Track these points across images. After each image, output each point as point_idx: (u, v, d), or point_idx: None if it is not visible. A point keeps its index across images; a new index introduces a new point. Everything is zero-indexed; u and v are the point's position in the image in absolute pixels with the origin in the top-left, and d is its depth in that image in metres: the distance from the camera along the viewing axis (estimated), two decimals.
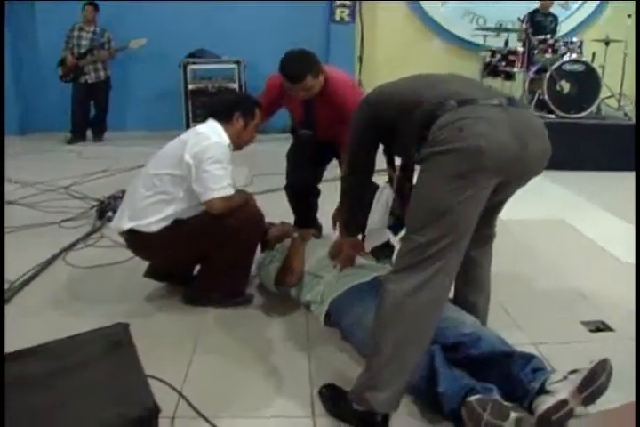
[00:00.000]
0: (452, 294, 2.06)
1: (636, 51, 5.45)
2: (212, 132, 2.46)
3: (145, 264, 2.75)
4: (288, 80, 2.69)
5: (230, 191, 2.41)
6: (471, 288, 2.18)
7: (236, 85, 6.62)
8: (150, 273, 2.75)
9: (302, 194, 3.28)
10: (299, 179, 3.21)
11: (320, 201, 3.36)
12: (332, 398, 1.94)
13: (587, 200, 4.44)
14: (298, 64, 2.67)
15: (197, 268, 2.71)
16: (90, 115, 6.72)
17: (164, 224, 2.43)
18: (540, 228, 3.78)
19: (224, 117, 2.54)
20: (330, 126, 2.91)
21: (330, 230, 3.01)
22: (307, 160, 3.17)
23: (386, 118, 1.94)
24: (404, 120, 1.85)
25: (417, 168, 1.92)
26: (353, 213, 2.35)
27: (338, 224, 3.00)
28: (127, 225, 2.46)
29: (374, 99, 2.02)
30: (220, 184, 2.37)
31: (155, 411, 1.59)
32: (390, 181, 2.38)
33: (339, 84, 2.82)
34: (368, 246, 2.64)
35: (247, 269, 2.66)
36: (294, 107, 2.99)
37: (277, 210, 3.22)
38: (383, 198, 2.41)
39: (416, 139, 1.79)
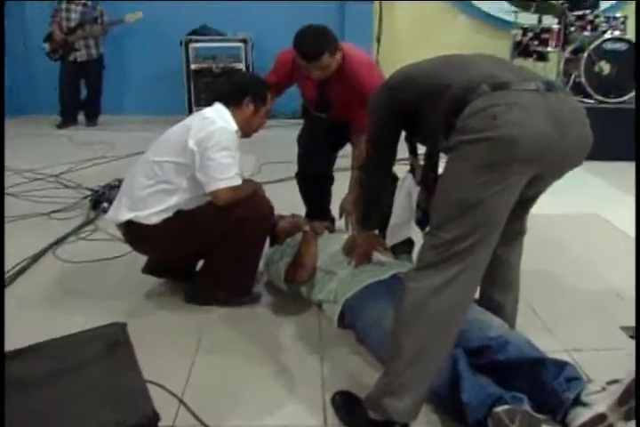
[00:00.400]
0: (477, 295, 2.07)
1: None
2: (219, 117, 2.48)
3: (143, 259, 2.78)
4: (303, 58, 2.70)
5: (238, 181, 2.42)
6: (498, 288, 2.19)
7: (242, 66, 6.64)
8: (149, 269, 2.78)
9: (314, 181, 3.30)
10: (311, 164, 3.23)
11: (333, 192, 3.37)
12: (346, 405, 1.95)
13: (624, 193, 4.41)
14: (314, 41, 2.68)
15: (200, 263, 2.73)
16: (81, 96, 6.72)
17: (165, 216, 2.45)
18: (573, 222, 3.78)
19: (233, 102, 2.55)
20: (345, 108, 2.92)
21: (343, 223, 3.04)
22: (319, 145, 3.19)
23: (409, 104, 1.94)
24: (430, 106, 1.85)
25: (442, 158, 1.93)
26: (370, 206, 2.36)
27: (345, 215, 3.06)
28: (125, 216, 2.48)
29: (396, 83, 2.02)
30: (226, 173, 2.39)
31: (154, 419, 1.62)
32: (412, 171, 2.38)
33: (356, 62, 2.83)
34: (390, 242, 2.66)
35: (254, 265, 2.67)
36: (307, 86, 2.99)
37: (287, 201, 3.24)
38: (404, 190, 2.42)
39: (443, 126, 1.79)
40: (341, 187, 3.14)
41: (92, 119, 6.78)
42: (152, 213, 2.44)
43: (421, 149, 2.22)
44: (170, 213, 2.46)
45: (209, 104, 2.61)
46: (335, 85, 2.87)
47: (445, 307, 1.72)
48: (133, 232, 2.53)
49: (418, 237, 2.28)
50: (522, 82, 1.75)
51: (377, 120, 2.08)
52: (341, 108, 2.96)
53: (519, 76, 1.81)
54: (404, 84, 1.98)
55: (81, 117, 6.80)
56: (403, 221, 2.47)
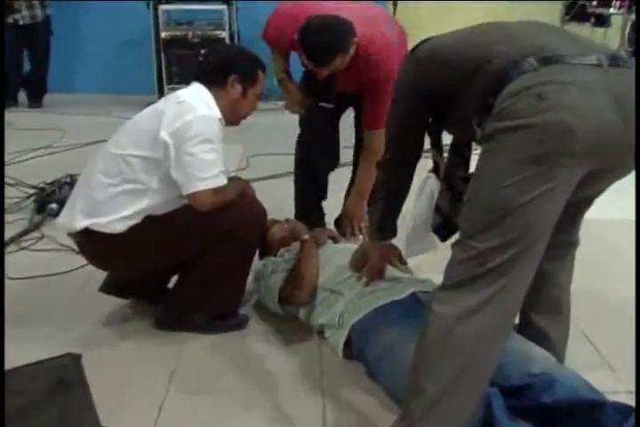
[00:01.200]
0: (516, 320, 2.08)
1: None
2: (199, 102, 2.49)
3: (102, 275, 2.79)
4: (311, 61, 2.83)
5: (222, 181, 2.44)
6: (544, 312, 2.21)
7: (225, 34, 6.64)
8: (110, 287, 2.79)
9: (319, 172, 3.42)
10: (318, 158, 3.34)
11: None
12: None
13: None
14: (326, 42, 2.80)
15: (174, 280, 2.76)
16: (23, 70, 6.70)
17: (131, 223, 2.46)
18: (633, 229, 3.76)
19: (215, 82, 2.57)
20: (354, 88, 3.06)
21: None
22: (325, 135, 3.30)
23: (440, 83, 1.96)
24: (465, 85, 1.87)
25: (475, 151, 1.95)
26: (390, 211, 2.39)
27: (348, 222, 3.10)
28: (81, 224, 2.48)
29: (425, 57, 2.02)
30: (208, 172, 2.40)
31: None
32: (436, 169, 2.40)
33: (372, 46, 2.95)
34: (408, 255, 2.69)
35: (242, 282, 2.70)
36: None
37: (280, 202, 3.26)
38: (427, 193, 2.44)
39: (478, 109, 1.81)
40: (337, 188, 3.15)
41: (36, 99, 6.77)
42: (115, 219, 2.45)
43: (446, 139, 2.24)
44: (137, 220, 2.47)
45: (183, 82, 2.64)
46: (345, 73, 2.97)
47: (478, 336, 1.74)
48: (91, 243, 2.54)
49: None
50: (580, 55, 1.74)
51: (402, 102, 2.10)
52: (349, 88, 3.07)
53: (575, 46, 1.81)
54: (435, 60, 1.99)
55: (22, 97, 6.80)
56: (425, 230, 2.49)
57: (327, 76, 2.99)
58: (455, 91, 1.92)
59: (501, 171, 1.71)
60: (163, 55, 6.65)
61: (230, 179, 2.55)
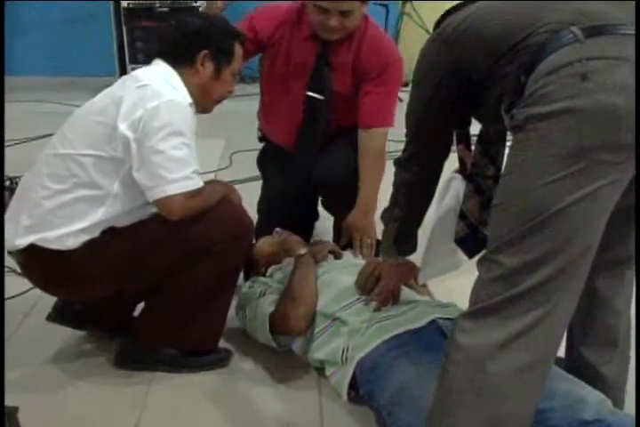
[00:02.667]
0: (561, 352, 2.06)
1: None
2: (163, 83, 2.47)
3: (51, 300, 2.77)
4: None
5: (197, 183, 2.41)
6: (596, 345, 2.18)
7: (200, 3, 6.65)
8: (60, 315, 2.76)
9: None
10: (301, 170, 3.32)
11: None
12: None
13: None
14: None
15: (141, 306, 2.74)
16: None
17: (86, 237, 2.43)
18: None
19: (182, 59, 2.56)
20: (348, 96, 3.16)
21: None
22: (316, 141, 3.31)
23: (473, 65, 1.92)
24: (502, 64, 1.84)
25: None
26: (409, 219, 2.39)
27: (353, 235, 3.11)
28: (24, 240, 2.45)
29: (452, 34, 1.97)
30: (179, 172, 2.37)
31: None
32: (462, 167, 2.40)
33: (378, 35, 3.14)
34: (426, 276, 2.67)
35: (223, 308, 2.68)
36: (300, 50, 3.15)
37: None
38: (451, 196, 2.43)
39: (510, 91, 1.78)
40: None
41: None
42: (66, 233, 2.42)
43: (474, 130, 2.22)
44: (94, 233, 2.45)
45: (150, 61, 2.60)
46: (342, 53, 3.08)
47: (513, 375, 1.72)
48: (37, 263, 2.51)
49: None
50: (634, 23, 1.70)
51: (427, 89, 2.07)
52: (344, 97, 3.16)
53: (629, 13, 1.76)
54: (467, 38, 1.94)
55: None
56: (448, 244, 2.46)
57: (320, 57, 3.09)
58: (490, 73, 1.89)
59: (534, 168, 1.68)
60: (124, 28, 6.66)
61: (210, 182, 2.54)
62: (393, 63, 3.09)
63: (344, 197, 3.23)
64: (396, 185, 2.36)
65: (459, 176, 2.43)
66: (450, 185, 2.47)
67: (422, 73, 2.07)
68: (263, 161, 3.58)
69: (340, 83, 3.16)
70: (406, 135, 2.23)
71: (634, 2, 1.82)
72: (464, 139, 2.30)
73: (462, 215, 2.34)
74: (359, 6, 2.98)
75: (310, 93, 3.20)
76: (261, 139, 3.59)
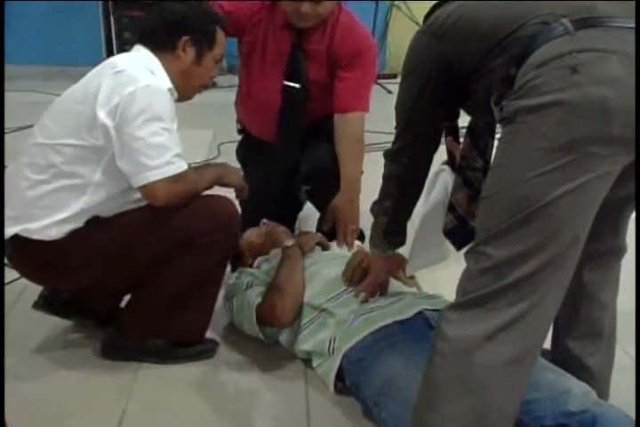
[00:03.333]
0: (547, 344, 2.09)
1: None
2: (141, 69, 2.46)
3: (36, 289, 2.77)
4: None
5: (179, 167, 2.40)
6: (581, 337, 2.21)
7: None
8: (47, 304, 2.76)
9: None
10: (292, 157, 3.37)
11: None
12: None
13: None
14: None
15: (128, 297, 2.74)
16: None
17: (70, 227, 2.44)
18: None
19: (162, 44, 2.56)
20: (324, 83, 3.19)
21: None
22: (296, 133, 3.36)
23: (462, 57, 1.92)
24: (492, 57, 1.84)
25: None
26: (399, 212, 2.40)
27: (339, 224, 3.15)
28: (8, 230, 2.46)
29: (442, 26, 1.96)
30: (160, 157, 2.36)
31: None
32: (451, 159, 2.42)
33: (351, 22, 3.19)
34: (413, 268, 2.69)
35: (210, 300, 2.69)
36: (275, 40, 3.19)
37: None
38: (439, 188, 2.44)
39: (499, 83, 1.79)
40: None
41: None
42: (49, 223, 2.42)
43: (462, 122, 2.24)
44: (78, 223, 2.45)
45: (130, 49, 2.60)
46: (316, 41, 3.12)
47: (499, 366, 1.73)
48: (22, 253, 2.52)
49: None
50: (629, 16, 1.70)
51: (416, 79, 2.07)
52: (320, 85, 3.20)
53: (624, 5, 1.76)
54: (457, 30, 1.93)
55: None
56: (437, 236, 2.47)
57: (295, 45, 3.14)
58: (480, 65, 1.89)
59: (523, 160, 1.69)
60: (112, 17, 6.62)
61: (204, 165, 2.53)
62: (367, 49, 3.14)
63: (333, 186, 3.24)
64: (385, 177, 2.36)
65: (447, 168, 2.44)
66: (438, 177, 2.48)
67: (412, 65, 2.07)
68: (244, 153, 3.61)
69: (315, 71, 3.20)
70: (396, 127, 2.23)
71: (629, 1, 1.81)
72: (453, 131, 2.31)
73: (451, 207, 2.34)
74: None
75: (287, 83, 3.22)
76: (240, 131, 3.62)
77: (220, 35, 2.64)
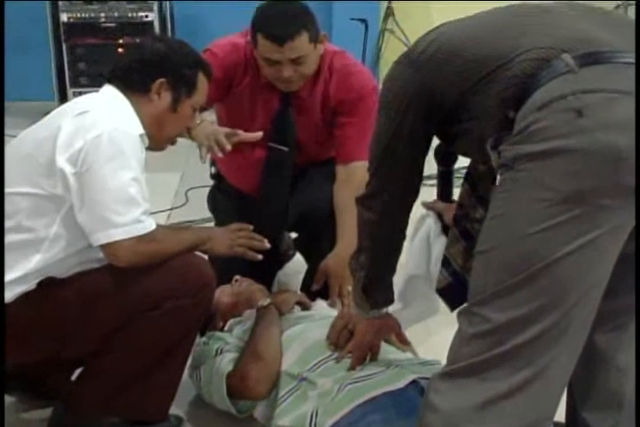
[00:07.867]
0: (560, 417, 2.05)
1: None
2: (108, 110, 2.45)
3: None
4: (272, 40, 2.92)
5: (148, 225, 2.39)
6: (599, 408, 2.16)
7: (152, 16, 6.66)
8: None
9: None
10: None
11: None
12: None
13: None
14: (289, 18, 2.95)
15: (80, 370, 2.69)
16: None
17: (20, 289, 2.41)
18: None
19: (134, 86, 2.54)
20: (319, 141, 3.24)
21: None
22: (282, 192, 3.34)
23: (447, 93, 1.93)
24: (477, 93, 1.85)
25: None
26: (378, 266, 2.37)
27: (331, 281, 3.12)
28: None
29: (425, 56, 1.98)
30: (127, 214, 2.35)
31: None
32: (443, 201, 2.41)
33: (347, 65, 3.19)
34: (403, 323, 2.65)
35: (174, 373, 2.64)
36: (262, 99, 3.21)
37: None
38: (422, 235, 2.43)
39: (493, 126, 1.80)
40: None
41: None
42: None
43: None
44: (30, 284, 2.42)
45: (95, 84, 2.63)
46: (307, 95, 3.18)
47: None
48: None
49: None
50: (632, 51, 1.72)
51: (394, 116, 2.07)
52: (312, 143, 3.26)
53: (628, 39, 1.79)
54: (438, 59, 1.95)
55: None
56: (423, 289, 2.49)
57: (282, 108, 3.15)
58: (463, 100, 1.90)
59: (526, 213, 1.69)
60: (64, 46, 6.62)
61: (188, 227, 2.52)
62: (369, 94, 3.13)
63: (328, 235, 3.22)
64: (359, 227, 2.35)
65: (432, 213, 2.45)
66: (422, 223, 2.50)
67: (388, 97, 2.08)
68: (217, 202, 3.58)
69: (307, 129, 3.22)
70: (369, 169, 2.22)
71: (623, 24, 1.90)
72: (446, 176, 2.32)
73: (445, 262, 2.35)
74: (312, 49, 3.02)
75: (273, 145, 3.23)
76: (214, 176, 3.58)
77: (202, 81, 2.63)
